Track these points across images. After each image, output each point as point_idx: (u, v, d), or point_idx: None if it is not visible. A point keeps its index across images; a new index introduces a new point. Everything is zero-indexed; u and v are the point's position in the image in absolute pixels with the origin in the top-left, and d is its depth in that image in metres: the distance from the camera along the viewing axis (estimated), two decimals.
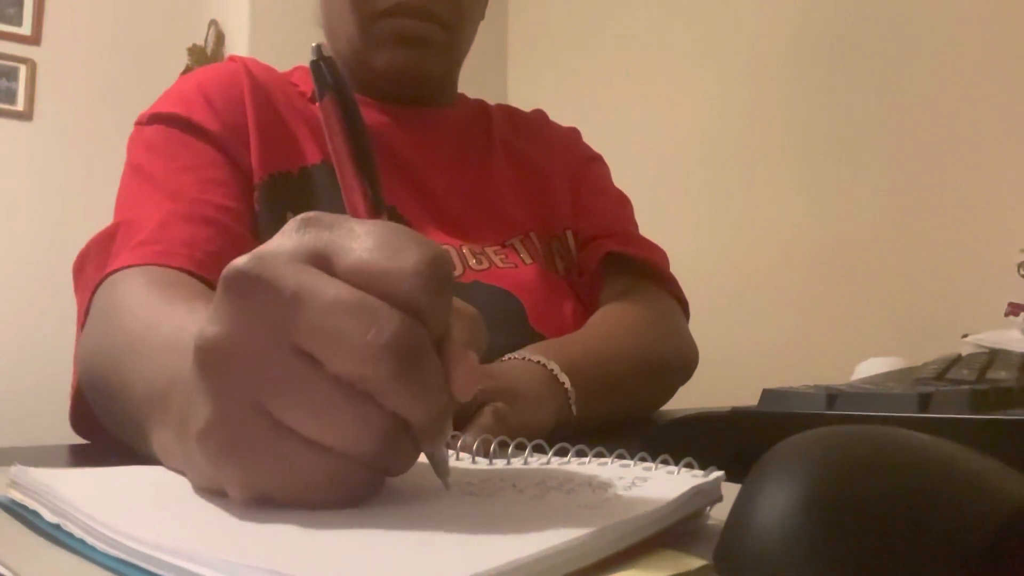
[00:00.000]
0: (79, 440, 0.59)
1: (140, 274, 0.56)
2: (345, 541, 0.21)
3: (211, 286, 0.57)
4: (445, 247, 0.25)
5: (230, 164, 0.67)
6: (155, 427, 0.35)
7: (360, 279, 0.24)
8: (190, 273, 0.57)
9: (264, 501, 0.24)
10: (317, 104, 0.31)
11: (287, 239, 0.26)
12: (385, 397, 0.24)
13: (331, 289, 0.24)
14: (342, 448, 0.24)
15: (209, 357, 0.25)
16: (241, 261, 0.25)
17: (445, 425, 0.26)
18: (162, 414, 0.33)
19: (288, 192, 0.69)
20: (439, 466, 0.28)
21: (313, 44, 0.31)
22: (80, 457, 0.51)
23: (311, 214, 0.26)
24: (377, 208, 0.30)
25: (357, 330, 0.23)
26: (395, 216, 0.73)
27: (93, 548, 0.22)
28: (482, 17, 0.81)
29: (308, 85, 0.77)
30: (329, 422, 0.24)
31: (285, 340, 0.24)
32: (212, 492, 0.26)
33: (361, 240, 0.25)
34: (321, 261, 0.25)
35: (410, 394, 0.24)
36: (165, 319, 0.43)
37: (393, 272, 0.24)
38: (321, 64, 0.30)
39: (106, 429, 0.51)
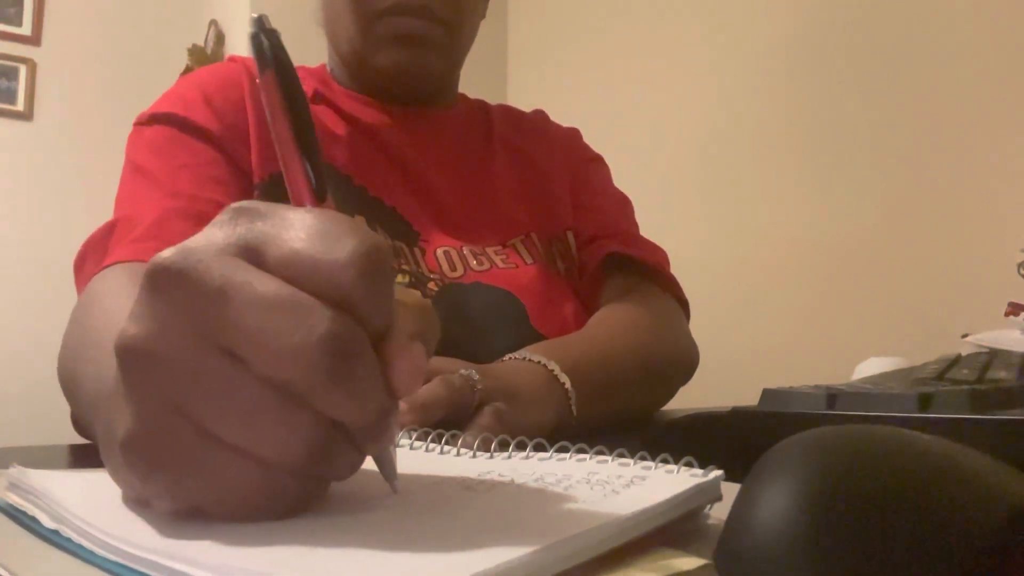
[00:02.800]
0: (78, 440, 0.59)
1: (127, 270, 0.56)
2: (343, 541, 0.21)
3: None
4: (381, 238, 0.24)
5: (229, 163, 0.67)
6: (100, 435, 0.33)
7: (291, 272, 0.23)
8: None
9: (193, 514, 0.23)
10: (258, 79, 0.28)
11: (217, 230, 0.24)
12: (317, 400, 0.22)
13: (259, 284, 0.22)
14: (272, 456, 0.22)
15: (129, 358, 0.23)
16: (166, 254, 0.23)
17: (386, 426, 0.24)
18: (97, 420, 0.31)
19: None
20: (385, 468, 0.26)
21: (254, 15, 0.28)
22: (79, 457, 0.51)
23: (245, 203, 0.25)
24: (320, 193, 0.28)
25: (285, 328, 0.21)
26: (396, 218, 0.72)
27: (91, 552, 0.22)
28: (483, 17, 0.81)
29: (309, 85, 0.77)
30: (256, 428, 0.22)
31: (209, 340, 0.22)
32: (139, 504, 0.25)
33: (294, 230, 0.23)
34: (252, 254, 0.23)
35: (343, 396, 0.22)
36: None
37: (325, 264, 0.22)
38: (261, 37, 0.28)
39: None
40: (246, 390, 0.22)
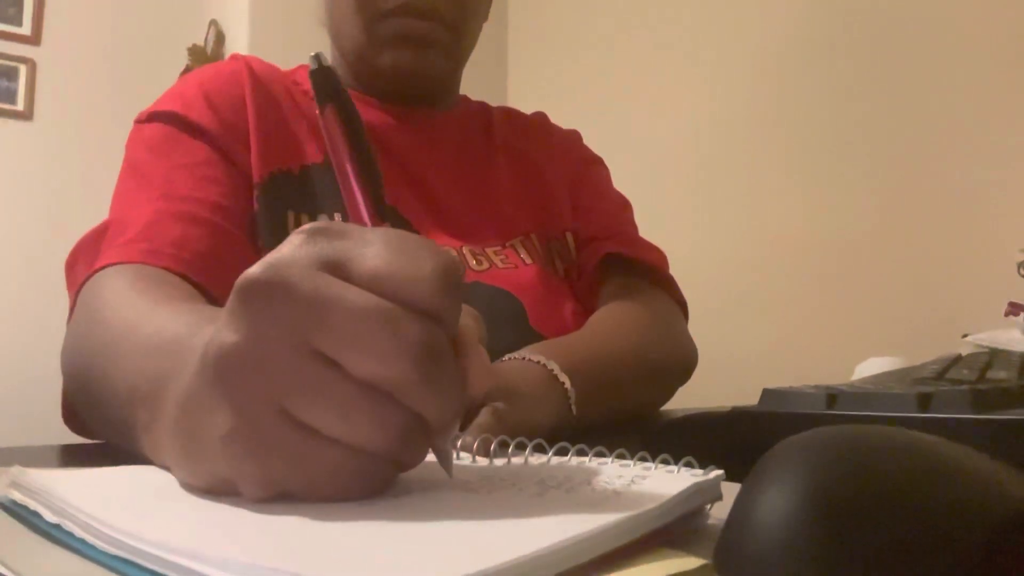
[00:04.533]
0: (77, 440, 0.59)
1: (123, 272, 0.56)
2: (345, 539, 0.21)
3: (196, 286, 0.57)
4: (448, 249, 0.27)
5: (227, 163, 0.67)
6: (143, 428, 0.34)
7: (378, 285, 0.25)
8: (177, 273, 0.57)
9: (280, 498, 0.25)
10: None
11: (299, 248, 0.26)
12: (407, 397, 0.25)
13: (352, 295, 0.25)
14: (363, 445, 0.25)
15: (228, 364, 0.25)
16: (256, 270, 0.25)
17: (457, 421, 0.27)
18: (149, 416, 0.33)
19: (288, 191, 0.69)
20: (445, 458, 0.28)
21: (312, 53, 0.31)
22: (79, 457, 0.51)
23: (318, 224, 0.27)
24: (380, 217, 0.31)
25: (381, 335, 0.24)
26: (397, 218, 0.72)
27: (94, 548, 0.22)
28: (486, 18, 0.81)
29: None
30: (352, 421, 0.25)
31: (305, 344, 0.24)
32: (214, 492, 0.27)
33: (375, 247, 0.26)
34: (336, 268, 0.26)
35: (433, 394, 0.25)
36: (146, 319, 0.43)
37: (412, 278, 0.25)
38: (320, 74, 0.30)
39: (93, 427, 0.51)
40: (342, 389, 0.25)
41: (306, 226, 0.27)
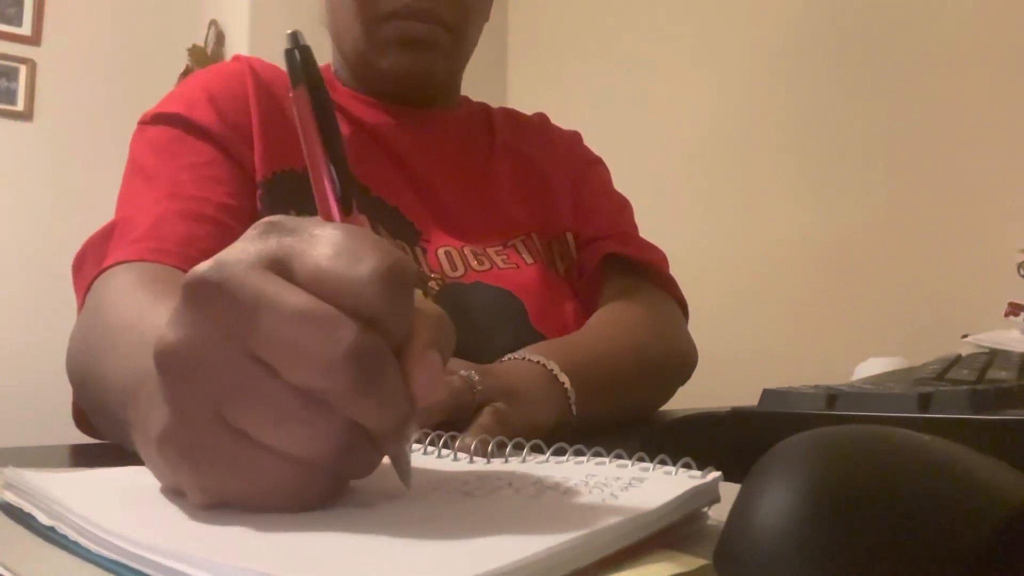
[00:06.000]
0: (78, 440, 0.59)
1: (130, 270, 0.56)
2: (341, 543, 0.21)
3: None
4: (404, 254, 0.25)
5: (232, 163, 0.67)
6: (131, 427, 0.35)
7: (319, 287, 0.24)
8: (184, 271, 0.57)
9: (223, 505, 0.24)
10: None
11: (250, 244, 0.25)
12: (343, 407, 0.24)
13: (290, 298, 0.23)
14: (300, 456, 0.24)
15: (168, 362, 0.24)
16: (203, 267, 0.24)
17: (406, 430, 0.26)
18: (135, 414, 0.33)
19: (291, 189, 0.69)
20: (401, 468, 0.27)
21: (289, 31, 0.30)
22: (79, 457, 0.51)
23: (275, 218, 0.26)
24: (346, 203, 0.30)
25: (314, 341, 0.23)
26: (386, 209, 0.72)
27: (87, 549, 0.22)
28: (486, 19, 0.81)
29: None
30: (287, 430, 0.24)
31: (244, 348, 0.24)
32: (175, 493, 0.26)
33: (320, 247, 0.25)
34: (281, 267, 0.25)
35: (369, 404, 0.24)
36: (147, 316, 0.43)
37: (350, 281, 0.24)
38: (295, 52, 0.29)
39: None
40: (278, 396, 0.23)
41: (262, 220, 0.26)
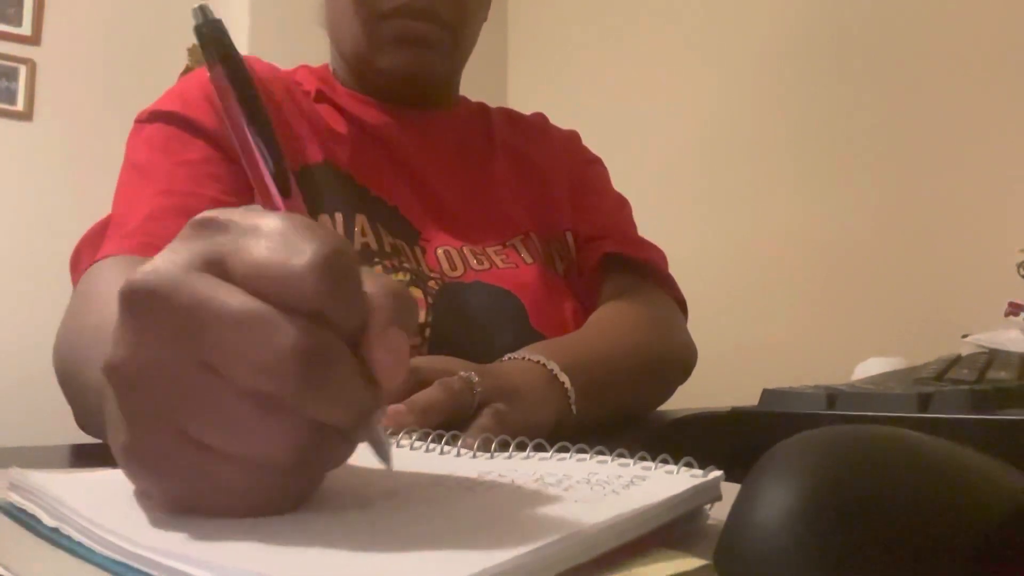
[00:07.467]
0: (78, 440, 0.59)
1: (118, 263, 0.56)
2: (342, 541, 0.21)
3: None
4: (342, 237, 0.24)
5: (228, 162, 0.67)
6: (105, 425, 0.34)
7: (257, 285, 0.23)
8: None
9: (189, 513, 0.24)
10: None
11: (180, 245, 0.24)
12: (299, 406, 0.23)
13: (227, 300, 0.22)
14: (261, 460, 0.23)
15: (118, 380, 0.24)
16: (136, 276, 0.23)
17: (372, 417, 0.25)
18: (106, 416, 0.33)
19: None
20: (379, 450, 0.26)
21: (196, 5, 0.27)
22: (79, 457, 0.51)
23: (205, 215, 0.25)
24: (283, 185, 0.28)
25: (257, 343, 0.22)
26: (387, 211, 0.72)
27: (91, 550, 0.22)
28: (485, 18, 0.81)
29: (312, 84, 0.77)
30: (244, 437, 0.23)
31: (190, 357, 0.23)
32: (148, 497, 0.26)
33: (255, 241, 0.23)
34: (217, 268, 0.23)
35: (323, 400, 0.23)
36: None
37: (289, 275, 0.23)
38: (203, 28, 0.27)
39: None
40: (229, 402, 0.23)
41: (194, 218, 0.25)
